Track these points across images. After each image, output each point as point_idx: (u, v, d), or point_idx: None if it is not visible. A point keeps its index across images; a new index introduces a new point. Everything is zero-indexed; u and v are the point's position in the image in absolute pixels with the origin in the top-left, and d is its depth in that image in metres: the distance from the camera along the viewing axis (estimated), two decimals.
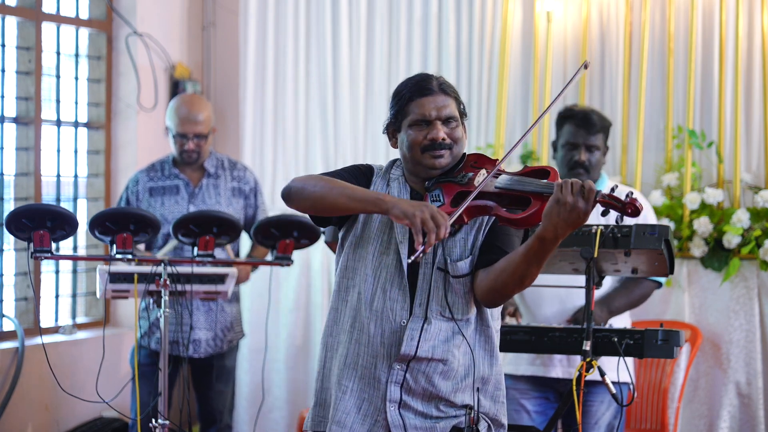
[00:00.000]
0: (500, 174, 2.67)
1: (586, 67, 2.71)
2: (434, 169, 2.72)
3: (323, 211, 2.70)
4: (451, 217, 2.57)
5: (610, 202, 2.51)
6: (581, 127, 4.01)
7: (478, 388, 2.72)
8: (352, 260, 2.74)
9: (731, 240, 4.82)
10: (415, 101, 2.71)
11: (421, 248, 2.50)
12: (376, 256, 2.71)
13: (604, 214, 2.51)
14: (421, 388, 2.68)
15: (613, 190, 2.51)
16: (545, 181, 2.60)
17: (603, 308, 3.87)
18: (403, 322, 2.67)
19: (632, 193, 2.51)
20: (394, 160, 2.85)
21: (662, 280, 4.00)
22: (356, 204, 2.62)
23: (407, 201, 2.57)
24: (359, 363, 2.70)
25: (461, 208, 2.59)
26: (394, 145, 2.79)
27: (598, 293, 3.92)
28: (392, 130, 2.78)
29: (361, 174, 2.79)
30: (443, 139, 2.69)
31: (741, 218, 4.80)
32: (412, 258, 2.53)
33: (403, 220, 2.53)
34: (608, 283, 3.98)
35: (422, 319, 2.66)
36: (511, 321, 3.97)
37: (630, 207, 2.48)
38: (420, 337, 2.65)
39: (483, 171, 2.70)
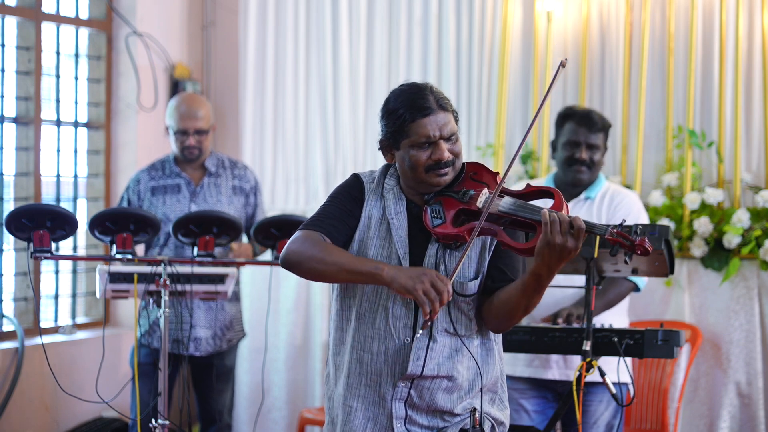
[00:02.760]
0: (503, 195, 2.64)
1: (563, 65, 2.64)
2: (438, 187, 2.68)
3: (324, 282, 2.69)
4: (451, 276, 2.56)
5: (618, 240, 2.48)
6: (582, 125, 4.00)
7: (481, 389, 2.72)
8: None
9: (731, 240, 4.82)
10: (417, 122, 2.62)
11: (428, 318, 2.51)
12: None
13: (612, 253, 2.48)
14: (425, 404, 2.67)
15: (621, 225, 2.50)
16: (550, 209, 2.55)
17: (579, 308, 3.84)
18: (407, 340, 2.65)
19: (638, 228, 2.48)
20: (387, 167, 2.78)
21: (641, 283, 3.98)
22: (355, 277, 2.59)
23: (405, 272, 2.53)
24: (362, 382, 2.68)
25: (461, 258, 2.58)
26: (390, 161, 2.73)
27: (576, 294, 3.91)
28: (388, 146, 2.72)
29: (352, 201, 2.73)
30: (447, 158, 2.65)
31: (741, 218, 4.80)
32: (421, 331, 2.55)
33: (405, 294, 2.51)
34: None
35: (427, 337, 2.64)
36: None
37: (639, 248, 2.47)
38: (426, 356, 2.64)
39: (485, 191, 2.66)
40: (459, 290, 2.65)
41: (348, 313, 2.72)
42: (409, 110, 2.63)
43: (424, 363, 2.63)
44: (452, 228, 2.63)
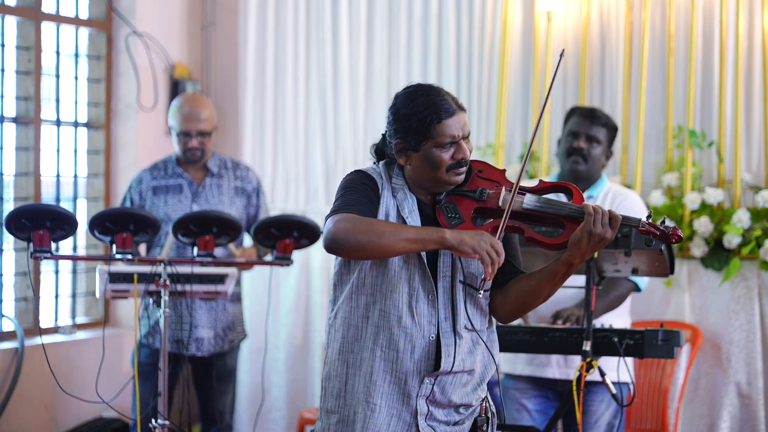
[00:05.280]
0: (523, 192, 2.69)
1: (562, 56, 2.73)
2: (453, 185, 2.72)
3: (377, 257, 2.64)
4: (499, 237, 2.62)
5: (651, 231, 2.61)
6: (585, 117, 4.07)
7: (489, 381, 2.80)
8: (371, 276, 2.70)
9: (731, 240, 4.82)
10: (443, 123, 2.65)
11: (489, 278, 2.60)
12: (396, 270, 2.68)
13: (647, 243, 2.63)
14: (446, 399, 2.71)
15: (649, 217, 2.63)
16: (577, 205, 2.65)
17: (581, 308, 3.83)
18: (432, 337, 2.68)
19: (665, 219, 2.65)
20: (389, 165, 2.79)
21: (641, 283, 3.99)
22: (417, 246, 2.58)
23: (467, 234, 2.57)
24: (387, 380, 2.69)
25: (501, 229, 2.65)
26: (405, 163, 2.73)
27: (577, 294, 3.91)
28: (404, 149, 2.71)
29: (373, 194, 2.72)
30: (468, 157, 2.70)
31: (741, 218, 4.80)
32: (483, 291, 2.66)
33: (473, 255, 2.56)
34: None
35: (453, 333, 2.68)
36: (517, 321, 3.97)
37: (674, 237, 2.61)
38: (455, 352, 2.68)
39: (503, 189, 2.70)
40: (479, 285, 2.70)
41: (366, 310, 2.72)
42: (434, 112, 2.66)
43: (454, 359, 2.67)
44: (473, 227, 2.66)
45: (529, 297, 2.70)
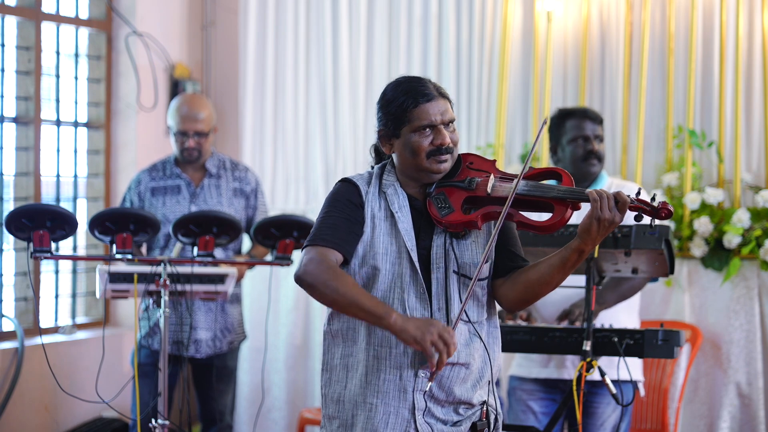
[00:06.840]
0: (512, 179, 2.68)
1: (546, 123, 2.76)
2: (438, 174, 2.72)
3: (334, 309, 2.73)
4: (455, 324, 2.61)
5: (640, 206, 2.61)
6: (586, 118, 4.04)
7: (489, 381, 2.77)
8: (361, 278, 2.71)
9: (732, 240, 4.82)
10: (419, 107, 2.68)
11: (435, 370, 2.58)
12: (387, 268, 2.69)
13: (637, 219, 2.63)
14: (444, 394, 2.70)
15: (638, 193, 2.63)
16: (565, 187, 2.64)
17: (595, 308, 3.82)
18: None
19: (655, 195, 2.64)
20: (383, 165, 2.82)
21: None
22: (365, 316, 2.62)
23: (413, 322, 2.57)
24: (381, 378, 2.69)
25: (488, 250, 2.64)
26: (389, 151, 2.77)
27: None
28: (387, 135, 2.75)
29: (354, 208, 2.73)
30: (448, 143, 2.70)
31: (741, 218, 4.80)
32: (429, 383, 2.63)
33: (414, 345, 2.56)
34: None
35: (446, 324, 2.66)
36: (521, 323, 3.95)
37: (663, 211, 2.60)
38: None
39: (492, 176, 2.70)
40: (473, 274, 2.68)
41: None
42: (410, 96, 2.70)
43: None
44: (464, 215, 2.66)
45: (540, 285, 2.68)
